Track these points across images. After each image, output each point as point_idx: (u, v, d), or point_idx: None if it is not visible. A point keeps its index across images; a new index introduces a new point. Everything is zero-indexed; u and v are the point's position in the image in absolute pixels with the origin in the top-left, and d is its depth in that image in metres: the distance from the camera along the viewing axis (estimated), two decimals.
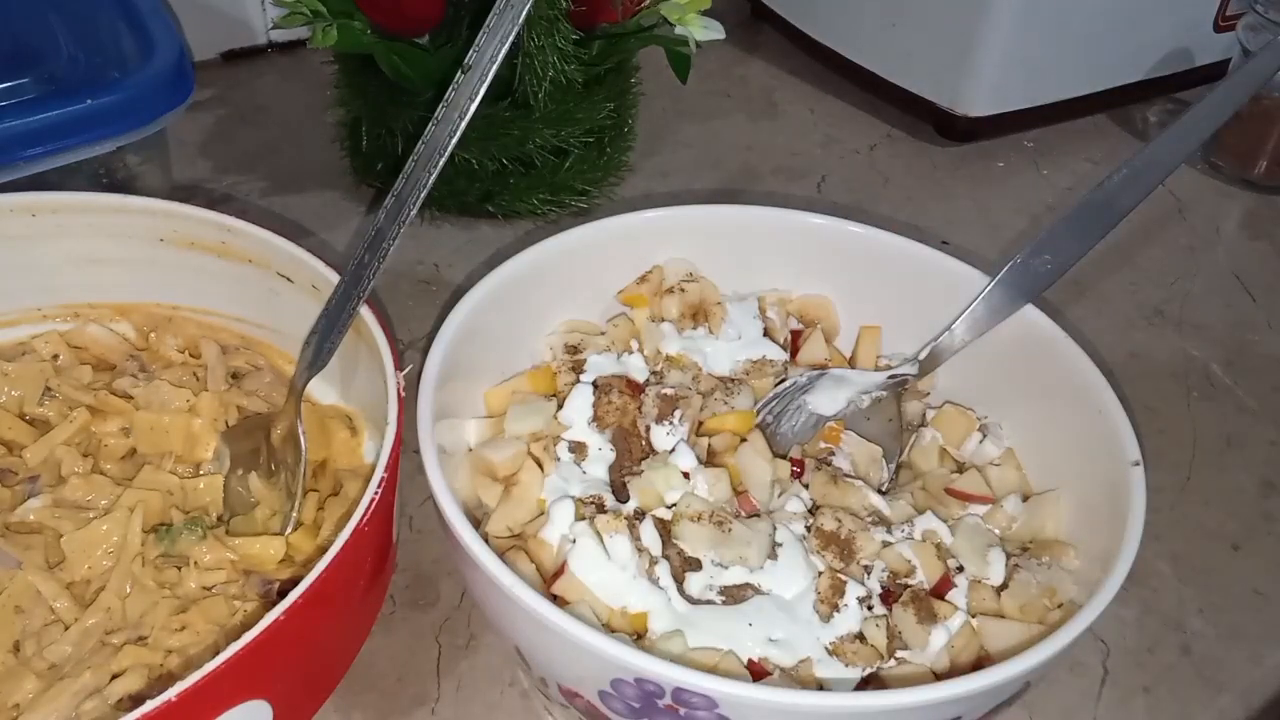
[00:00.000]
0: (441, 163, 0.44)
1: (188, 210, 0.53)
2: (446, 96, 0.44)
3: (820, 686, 0.43)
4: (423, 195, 0.45)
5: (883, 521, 0.49)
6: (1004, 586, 0.46)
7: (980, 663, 0.44)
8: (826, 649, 0.44)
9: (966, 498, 0.50)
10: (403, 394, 0.46)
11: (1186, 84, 0.88)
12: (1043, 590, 0.46)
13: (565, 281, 0.54)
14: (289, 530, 0.48)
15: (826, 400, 0.53)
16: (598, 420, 0.50)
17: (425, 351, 0.47)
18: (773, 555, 0.46)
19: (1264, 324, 0.72)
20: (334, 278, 0.48)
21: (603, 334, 0.55)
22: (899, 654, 0.44)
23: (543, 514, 0.47)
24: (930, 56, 0.82)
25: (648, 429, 0.50)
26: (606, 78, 0.72)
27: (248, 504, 0.50)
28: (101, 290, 0.56)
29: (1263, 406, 0.66)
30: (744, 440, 0.50)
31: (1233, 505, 0.60)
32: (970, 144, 0.85)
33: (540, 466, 0.48)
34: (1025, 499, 0.50)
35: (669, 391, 0.50)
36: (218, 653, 0.36)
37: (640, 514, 0.47)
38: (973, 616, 0.45)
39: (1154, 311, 0.72)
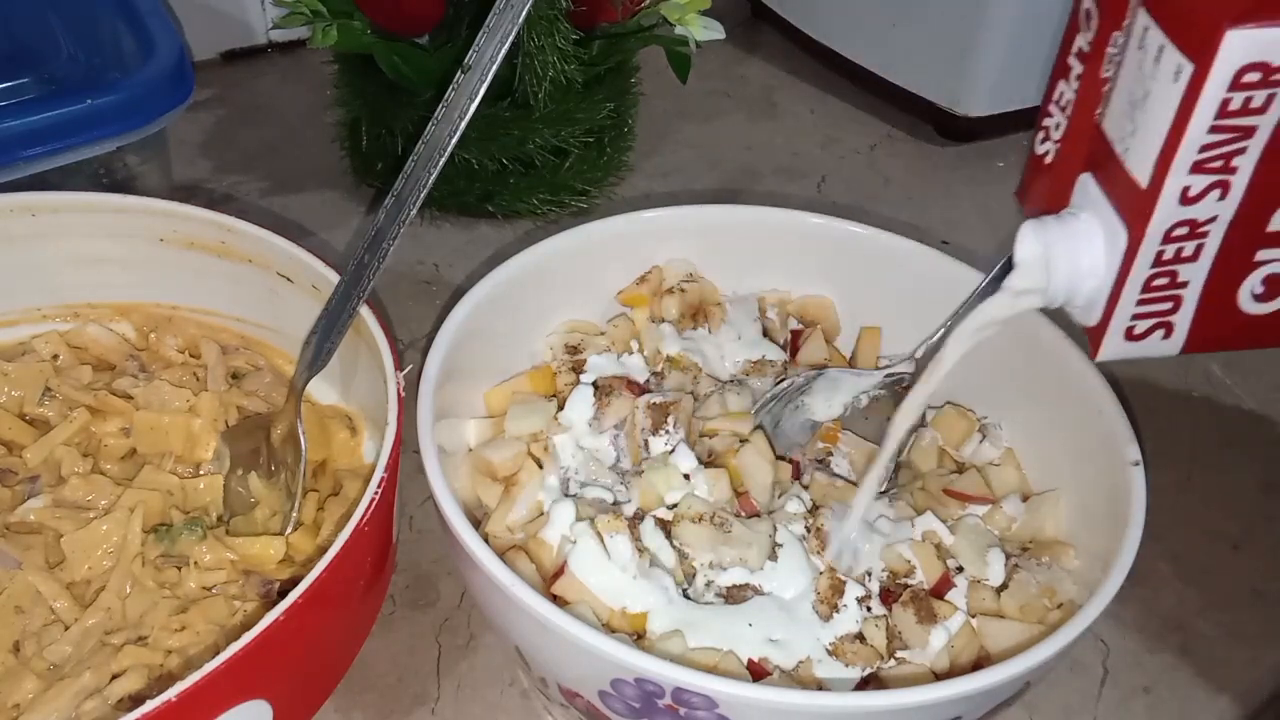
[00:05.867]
0: (441, 163, 0.44)
1: (188, 210, 0.53)
2: (446, 96, 0.44)
3: (820, 686, 0.43)
4: (423, 195, 0.45)
5: (883, 522, 0.49)
6: (1004, 586, 0.46)
7: (980, 663, 0.44)
8: (826, 649, 0.44)
9: (966, 498, 0.50)
10: (403, 394, 0.46)
11: None
12: (1043, 590, 0.46)
13: (565, 281, 0.54)
14: (289, 530, 0.48)
15: (825, 400, 0.53)
16: (598, 420, 0.50)
17: (425, 351, 0.47)
18: (773, 556, 0.46)
19: None
20: (334, 278, 0.48)
21: (603, 334, 0.55)
22: (899, 654, 0.44)
23: (543, 514, 0.47)
24: (930, 56, 0.82)
25: (645, 443, 0.50)
26: (606, 78, 0.72)
27: (248, 504, 0.50)
28: (101, 290, 0.56)
29: (1263, 406, 0.66)
30: (745, 441, 0.50)
31: (1233, 505, 0.60)
32: (970, 144, 0.85)
33: (540, 466, 0.49)
34: (1025, 499, 0.50)
35: (659, 400, 0.50)
36: (218, 653, 0.36)
37: (640, 514, 0.47)
38: (973, 616, 0.45)
39: None
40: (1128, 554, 0.42)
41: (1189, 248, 0.35)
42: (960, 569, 0.47)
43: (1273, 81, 0.31)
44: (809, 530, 0.47)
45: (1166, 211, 0.34)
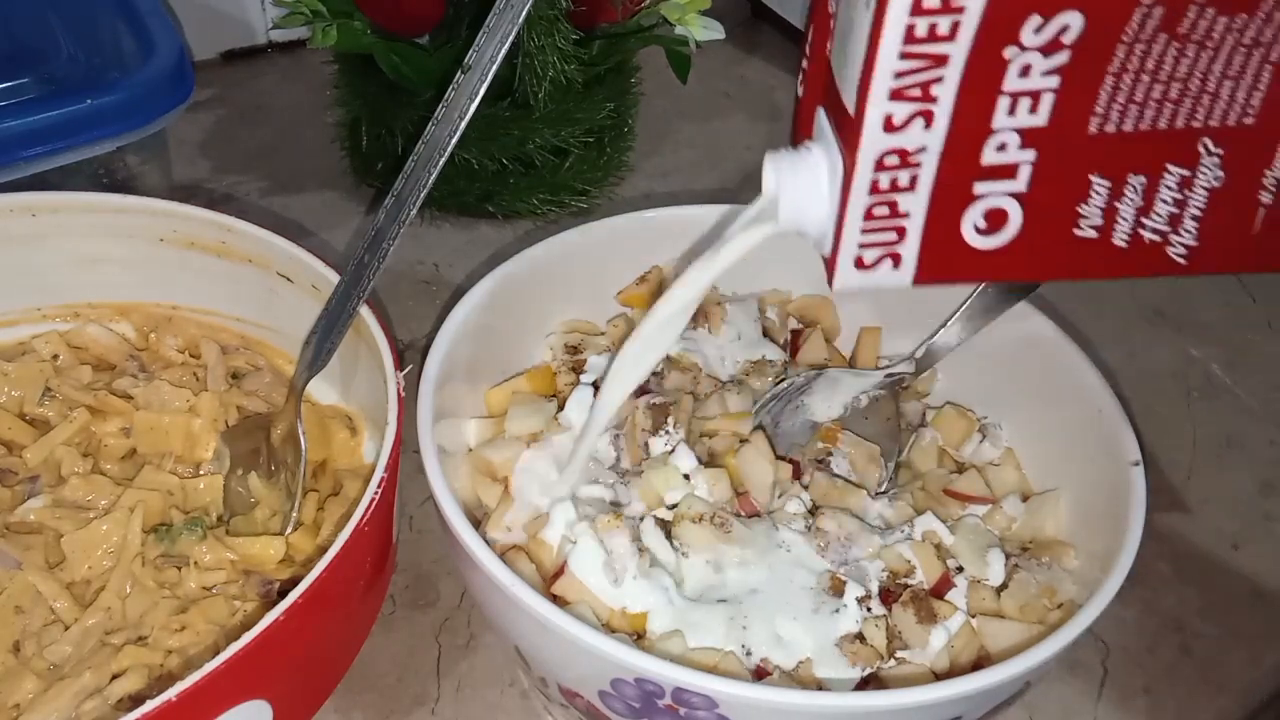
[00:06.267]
0: (441, 163, 0.44)
1: (188, 210, 0.53)
2: (446, 96, 0.44)
3: (820, 686, 0.43)
4: (423, 195, 0.45)
5: (882, 522, 0.49)
6: (1004, 586, 0.46)
7: (980, 663, 0.44)
8: (826, 649, 0.44)
9: (966, 498, 0.50)
10: (403, 394, 0.46)
11: None
12: (1043, 590, 0.46)
13: (565, 281, 0.54)
14: (289, 530, 0.48)
15: (825, 400, 0.53)
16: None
17: (425, 351, 0.47)
18: (773, 556, 0.46)
19: (1264, 324, 0.72)
20: (334, 278, 0.48)
21: (603, 334, 0.55)
22: (899, 654, 0.44)
23: (543, 514, 0.47)
24: None
25: (646, 444, 0.50)
26: (606, 78, 0.72)
27: (248, 504, 0.50)
28: (101, 290, 0.56)
29: (1263, 406, 0.66)
30: (745, 441, 0.50)
31: (1233, 505, 0.60)
32: None
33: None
34: (1025, 499, 0.50)
35: (659, 400, 0.50)
36: (218, 653, 0.36)
37: (640, 514, 0.47)
38: (973, 616, 0.45)
39: (1154, 311, 0.72)
40: (1128, 554, 0.42)
41: (903, 177, 0.36)
42: (960, 569, 0.47)
43: (953, 8, 0.32)
44: (809, 530, 0.47)
45: (872, 138, 0.35)
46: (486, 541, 0.41)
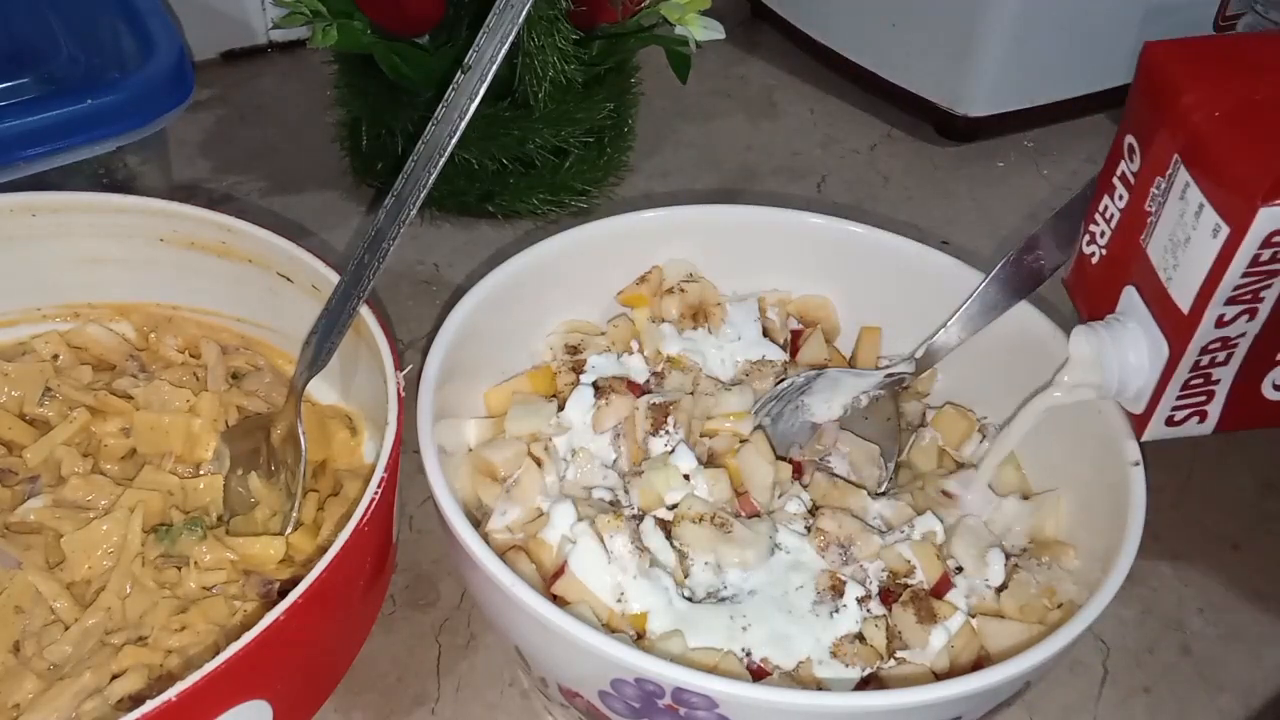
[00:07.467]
0: (441, 163, 0.44)
1: (188, 210, 0.53)
2: (446, 96, 0.44)
3: (820, 686, 0.43)
4: (423, 195, 0.45)
5: (882, 522, 0.49)
6: (1004, 587, 0.46)
7: (980, 663, 0.44)
8: (827, 649, 0.44)
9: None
10: (403, 394, 0.46)
11: None
12: (1043, 590, 0.46)
13: (565, 281, 0.54)
14: (289, 530, 0.48)
15: (825, 401, 0.53)
16: (598, 421, 0.50)
17: (425, 351, 0.47)
18: (773, 556, 0.46)
19: None
20: (334, 278, 0.48)
21: (603, 334, 0.55)
22: (899, 654, 0.44)
23: (542, 514, 0.47)
24: (930, 56, 0.82)
25: (646, 443, 0.50)
26: (606, 78, 0.72)
27: (248, 504, 0.50)
28: (101, 290, 0.56)
29: None
30: (745, 441, 0.50)
31: (1233, 505, 0.60)
32: (970, 144, 0.85)
33: (540, 466, 0.48)
34: (1025, 499, 0.50)
35: (659, 400, 0.50)
36: (218, 653, 0.36)
37: (640, 514, 0.47)
38: (973, 616, 0.45)
39: None
40: (1128, 554, 0.42)
41: (1221, 356, 0.42)
42: (960, 569, 0.47)
43: None
44: (809, 530, 0.47)
45: (1204, 333, 0.41)
46: (486, 541, 0.41)
